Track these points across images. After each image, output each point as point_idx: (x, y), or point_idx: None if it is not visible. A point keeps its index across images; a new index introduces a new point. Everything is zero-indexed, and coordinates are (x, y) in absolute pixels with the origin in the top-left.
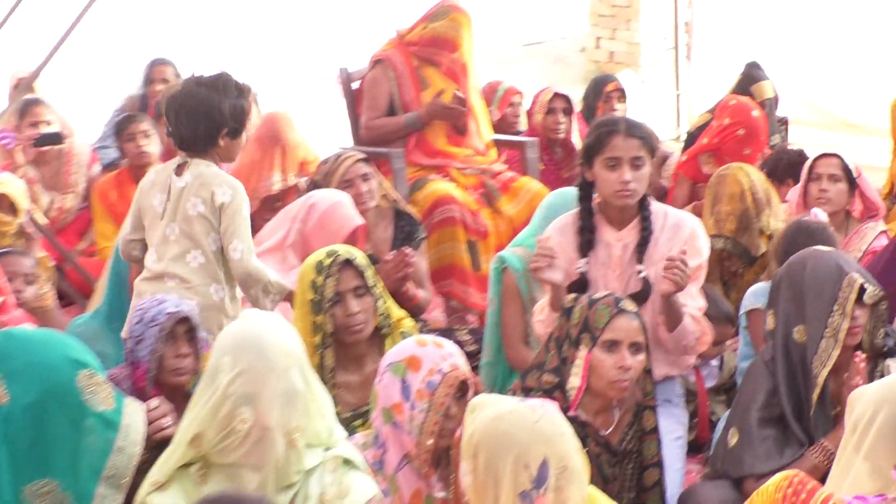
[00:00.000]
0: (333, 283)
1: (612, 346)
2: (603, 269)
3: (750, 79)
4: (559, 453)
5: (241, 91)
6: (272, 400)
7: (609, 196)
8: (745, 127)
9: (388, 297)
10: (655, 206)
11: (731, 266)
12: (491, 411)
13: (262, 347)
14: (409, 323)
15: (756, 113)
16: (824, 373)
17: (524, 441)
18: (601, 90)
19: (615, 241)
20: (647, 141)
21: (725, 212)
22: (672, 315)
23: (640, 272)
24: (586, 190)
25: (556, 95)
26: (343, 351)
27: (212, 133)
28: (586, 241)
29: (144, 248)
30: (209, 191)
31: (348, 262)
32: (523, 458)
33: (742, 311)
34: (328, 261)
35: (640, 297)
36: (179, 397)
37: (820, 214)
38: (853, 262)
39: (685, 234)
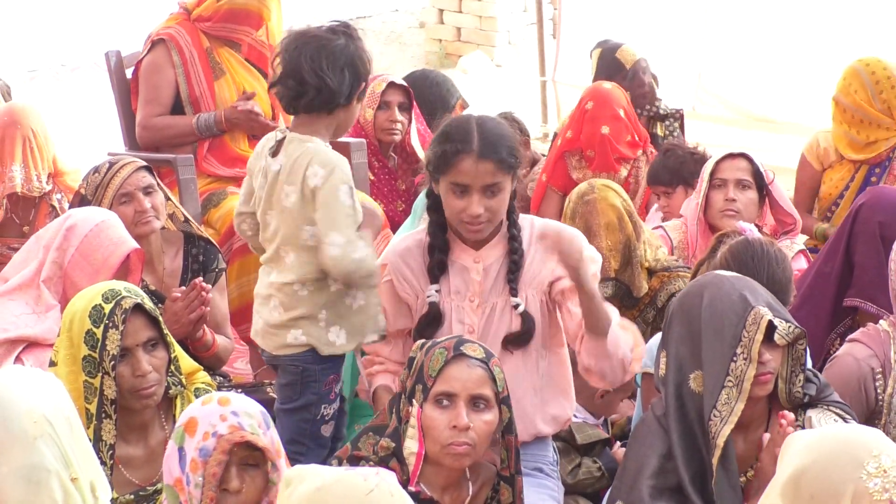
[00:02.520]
0: (118, 335)
1: (445, 399)
2: (457, 300)
3: (609, 48)
4: None
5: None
6: (11, 481)
7: (455, 225)
8: (591, 99)
9: (177, 346)
10: (521, 220)
11: None
12: (312, 483)
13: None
14: (204, 377)
15: (608, 85)
16: (726, 431)
17: None
18: None
19: (472, 262)
20: (506, 163)
21: (607, 247)
22: (597, 314)
23: (516, 306)
24: (437, 200)
25: (392, 86)
26: (122, 419)
27: (353, 87)
28: (438, 262)
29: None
30: (300, 175)
31: (137, 308)
32: None
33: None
34: (108, 306)
35: (522, 338)
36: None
37: (753, 231)
38: (763, 293)
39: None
